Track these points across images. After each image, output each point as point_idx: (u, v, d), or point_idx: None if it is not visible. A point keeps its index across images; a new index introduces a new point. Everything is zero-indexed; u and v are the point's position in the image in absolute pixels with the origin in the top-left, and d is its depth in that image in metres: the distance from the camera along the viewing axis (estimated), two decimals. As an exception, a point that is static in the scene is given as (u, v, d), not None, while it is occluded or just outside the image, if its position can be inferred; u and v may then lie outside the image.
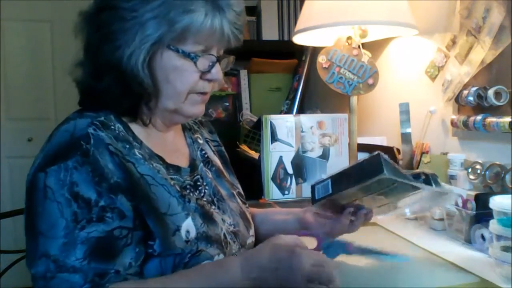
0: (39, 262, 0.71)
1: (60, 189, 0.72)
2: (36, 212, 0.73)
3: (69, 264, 0.70)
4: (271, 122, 1.56)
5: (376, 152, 0.87)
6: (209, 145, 1.05)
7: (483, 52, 1.24)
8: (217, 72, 0.86)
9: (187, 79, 0.83)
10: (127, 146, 0.80)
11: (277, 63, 2.40)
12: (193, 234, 0.80)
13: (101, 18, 0.81)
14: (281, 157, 1.56)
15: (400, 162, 1.47)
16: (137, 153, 0.81)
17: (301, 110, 2.29)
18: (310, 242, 0.81)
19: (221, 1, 0.81)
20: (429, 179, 0.91)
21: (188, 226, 0.80)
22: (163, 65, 0.82)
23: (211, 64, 0.84)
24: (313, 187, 0.97)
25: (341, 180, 0.91)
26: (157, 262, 0.76)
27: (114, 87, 0.82)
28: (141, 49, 0.79)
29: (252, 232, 0.97)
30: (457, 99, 1.33)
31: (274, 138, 1.56)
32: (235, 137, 2.21)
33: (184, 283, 0.74)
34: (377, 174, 0.82)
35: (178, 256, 0.77)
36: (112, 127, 0.81)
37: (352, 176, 0.88)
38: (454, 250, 1.03)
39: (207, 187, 0.92)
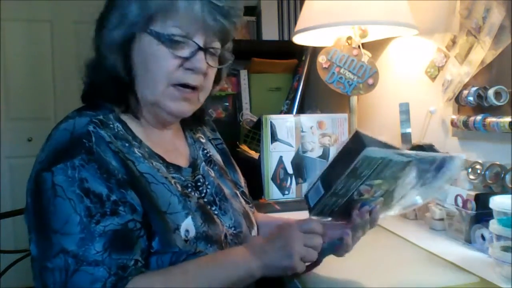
0: (56, 258, 0.71)
1: (70, 186, 0.72)
2: (46, 211, 0.73)
3: (91, 258, 0.70)
4: (271, 122, 1.56)
5: (355, 131, 0.82)
6: (211, 144, 1.05)
7: (483, 52, 1.24)
8: (198, 60, 0.81)
9: (163, 63, 0.81)
10: (127, 144, 0.81)
11: (277, 63, 2.40)
12: (192, 233, 0.80)
13: (101, 14, 0.85)
14: (281, 157, 1.56)
15: (400, 162, 1.47)
16: (137, 152, 0.81)
17: (301, 110, 2.29)
18: None
19: None
20: (424, 150, 0.84)
21: (188, 226, 0.80)
22: (141, 51, 0.82)
23: (192, 52, 0.81)
24: (306, 197, 0.88)
25: (329, 175, 0.83)
26: (154, 260, 0.77)
27: (100, 71, 0.83)
28: (118, 31, 0.81)
29: (254, 232, 0.97)
30: (457, 99, 1.33)
31: (274, 138, 1.56)
32: (235, 137, 2.22)
33: (200, 270, 0.76)
34: (360, 150, 0.76)
35: (175, 254, 0.77)
36: (111, 125, 0.81)
37: (337, 165, 0.81)
38: (454, 250, 1.03)
39: (209, 187, 0.92)
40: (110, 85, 0.83)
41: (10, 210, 1.59)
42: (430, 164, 0.85)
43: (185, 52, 0.81)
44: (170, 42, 0.80)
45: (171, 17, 0.79)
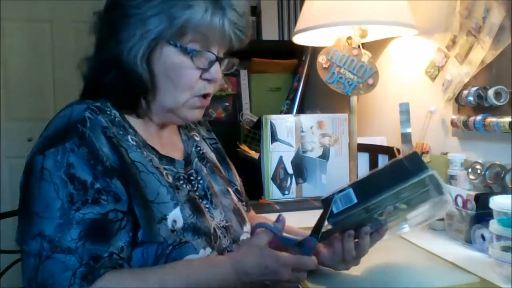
0: (33, 241, 0.72)
1: (57, 170, 0.73)
2: (32, 193, 0.75)
3: (65, 245, 0.71)
4: (271, 122, 1.56)
5: (413, 151, 0.81)
6: (206, 142, 1.06)
7: (483, 52, 1.24)
8: (216, 71, 0.86)
9: (186, 76, 0.84)
10: (121, 132, 0.82)
11: (277, 63, 2.40)
12: (180, 224, 0.80)
13: (109, 16, 0.85)
14: (281, 157, 1.56)
15: (400, 162, 1.47)
16: (130, 140, 0.82)
17: (301, 110, 2.29)
18: (267, 235, 0.82)
19: (222, 0, 0.82)
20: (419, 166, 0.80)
21: (176, 216, 0.80)
22: (162, 61, 0.83)
23: (210, 62, 0.85)
24: (326, 202, 0.84)
25: (367, 186, 0.81)
26: (140, 251, 0.77)
27: (116, 81, 0.83)
28: (141, 44, 0.81)
29: (247, 228, 0.97)
30: (457, 99, 1.33)
31: (274, 138, 1.56)
32: (235, 137, 2.22)
33: (178, 280, 0.75)
34: (420, 171, 0.76)
35: (160, 245, 0.77)
36: (108, 112, 0.83)
37: (385, 180, 0.79)
38: (454, 250, 1.03)
39: (201, 182, 0.93)
40: (126, 93, 0.84)
41: (10, 210, 1.58)
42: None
43: (204, 63, 0.84)
44: (188, 51, 0.82)
45: (192, 29, 0.81)
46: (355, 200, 0.81)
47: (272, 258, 0.78)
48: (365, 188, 0.81)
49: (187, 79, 0.84)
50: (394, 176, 0.79)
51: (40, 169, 0.74)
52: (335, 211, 0.83)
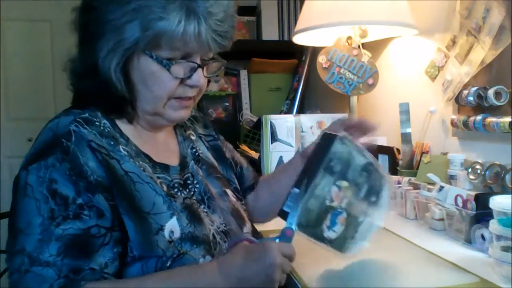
0: (16, 257, 0.72)
1: (39, 186, 0.73)
2: (16, 209, 0.75)
3: (43, 259, 0.70)
4: (271, 122, 1.56)
5: (322, 132, 0.89)
6: (202, 141, 1.04)
7: (483, 52, 1.24)
8: (198, 78, 0.83)
9: (164, 85, 0.81)
10: (112, 142, 0.80)
11: (277, 63, 2.40)
12: (177, 234, 0.79)
13: (84, 19, 0.83)
14: (281, 157, 1.56)
15: (400, 162, 1.47)
16: (122, 150, 0.81)
17: (301, 110, 2.29)
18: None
19: (198, 9, 0.77)
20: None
21: (173, 226, 0.79)
22: (140, 70, 0.81)
23: (191, 70, 0.82)
24: (282, 211, 0.83)
25: (302, 175, 0.83)
26: (139, 266, 0.76)
27: (94, 89, 0.82)
28: (115, 53, 0.79)
29: (246, 229, 0.96)
30: (457, 99, 1.33)
31: (274, 138, 1.56)
32: (235, 137, 2.22)
33: (159, 284, 0.74)
34: (332, 140, 0.83)
35: (160, 259, 0.76)
36: (97, 123, 0.81)
37: (311, 164, 0.84)
38: (454, 250, 1.03)
39: (197, 186, 0.92)
40: (109, 99, 0.83)
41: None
42: (379, 178, 0.90)
43: (185, 71, 0.83)
44: (164, 64, 0.80)
45: (166, 41, 0.78)
46: (297, 191, 0.82)
47: (258, 246, 0.76)
48: (301, 177, 0.83)
49: (164, 88, 0.82)
50: (317, 156, 0.85)
51: (24, 185, 0.74)
52: (289, 211, 0.82)
